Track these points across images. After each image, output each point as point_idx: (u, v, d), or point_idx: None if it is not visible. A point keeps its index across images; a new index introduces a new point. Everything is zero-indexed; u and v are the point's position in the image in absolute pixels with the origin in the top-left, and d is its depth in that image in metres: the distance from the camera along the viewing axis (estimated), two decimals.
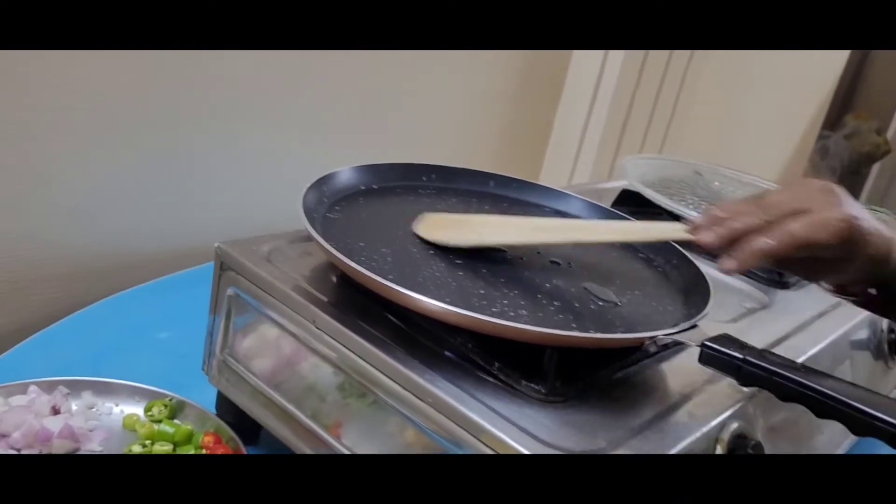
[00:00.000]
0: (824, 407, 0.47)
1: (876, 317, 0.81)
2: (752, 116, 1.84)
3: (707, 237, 0.54)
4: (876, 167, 2.97)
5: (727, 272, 0.53)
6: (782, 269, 0.55)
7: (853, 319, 0.76)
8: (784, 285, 0.81)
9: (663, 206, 0.89)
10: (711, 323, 0.56)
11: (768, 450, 0.58)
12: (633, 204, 0.92)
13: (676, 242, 0.60)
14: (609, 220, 0.75)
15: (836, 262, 0.53)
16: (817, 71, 2.12)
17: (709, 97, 1.70)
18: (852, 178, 2.86)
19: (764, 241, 0.51)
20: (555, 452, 0.47)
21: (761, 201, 0.53)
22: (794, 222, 0.51)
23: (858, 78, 3.05)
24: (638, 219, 0.77)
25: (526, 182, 0.81)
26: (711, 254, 0.56)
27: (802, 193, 0.53)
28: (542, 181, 0.83)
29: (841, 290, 0.61)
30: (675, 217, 0.88)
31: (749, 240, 0.51)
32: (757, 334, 0.69)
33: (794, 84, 1.99)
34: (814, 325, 0.73)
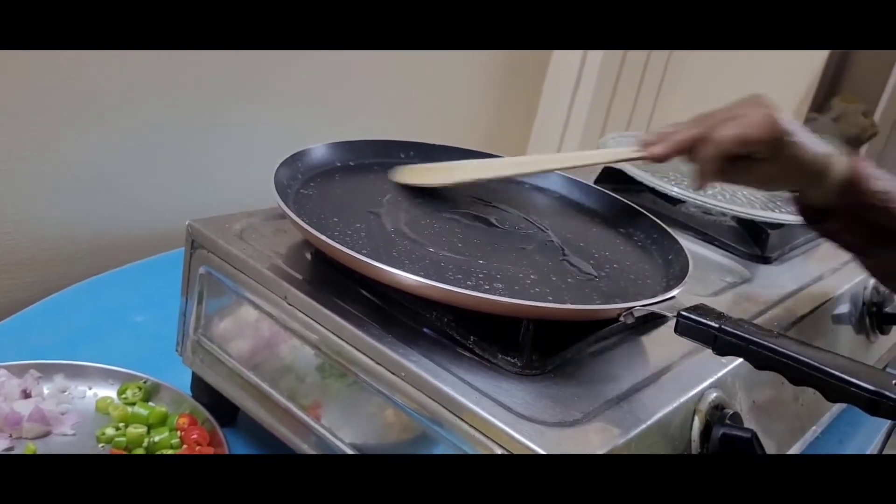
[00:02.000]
0: (799, 374, 0.46)
1: (857, 291, 0.80)
2: (740, 98, 1.84)
3: (657, 149, 0.61)
4: (863, 150, 2.97)
5: (698, 188, 0.62)
6: (733, 181, 0.62)
7: (834, 293, 0.76)
8: (765, 260, 0.80)
9: (645, 182, 0.88)
10: (691, 296, 0.56)
11: (747, 422, 0.58)
12: (615, 181, 0.91)
13: (631, 160, 0.68)
14: (567, 153, 0.84)
15: (768, 163, 0.59)
16: (805, 54, 2.11)
17: (696, 77, 1.69)
18: None
19: (708, 148, 0.58)
20: (529, 424, 0.47)
21: (700, 116, 0.61)
22: (729, 125, 0.58)
23: (845, 61, 3.05)
24: (623, 197, 0.77)
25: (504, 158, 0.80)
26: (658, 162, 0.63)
27: (735, 105, 0.60)
28: None
29: (825, 232, 0.65)
30: (659, 195, 0.87)
31: (698, 148, 0.59)
32: (737, 308, 0.68)
33: (782, 66, 1.98)
34: (794, 299, 0.73)
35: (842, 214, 0.62)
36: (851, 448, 0.82)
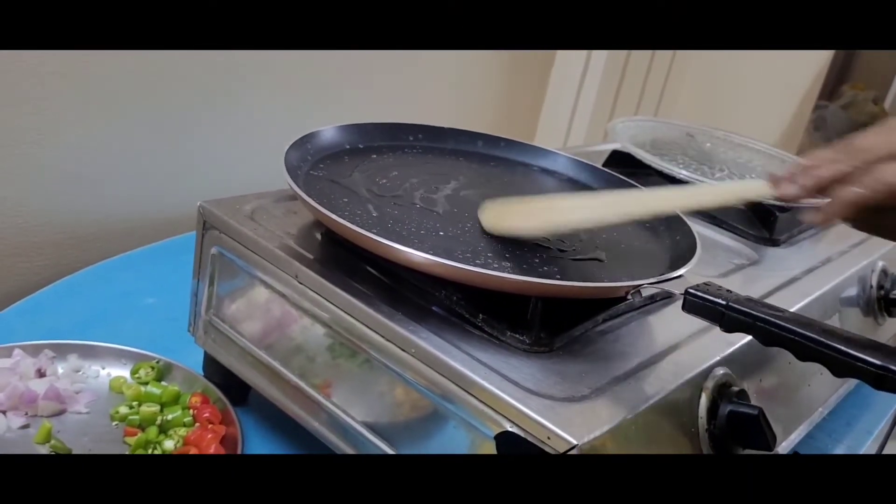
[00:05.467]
0: (806, 349, 0.47)
1: (865, 273, 0.80)
2: (748, 85, 1.83)
3: (790, 190, 0.50)
4: None
5: (812, 224, 0.50)
6: (864, 226, 0.50)
7: (842, 275, 0.76)
8: (774, 242, 0.80)
9: (654, 166, 0.88)
10: (699, 277, 0.56)
11: (755, 399, 0.58)
12: (623, 165, 0.91)
13: (761, 200, 0.57)
14: (681, 187, 0.65)
15: None
16: None
17: (706, 60, 1.68)
18: None
19: (853, 190, 0.46)
20: (538, 399, 0.47)
21: (851, 146, 0.48)
22: (889, 167, 0.45)
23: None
24: (631, 180, 0.77)
25: (513, 141, 0.80)
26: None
27: (893, 134, 0.47)
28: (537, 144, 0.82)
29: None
30: (665, 177, 0.87)
31: (838, 188, 0.47)
32: (745, 289, 0.68)
33: (792, 52, 1.97)
34: (803, 281, 0.73)
35: None
36: (858, 429, 0.82)
